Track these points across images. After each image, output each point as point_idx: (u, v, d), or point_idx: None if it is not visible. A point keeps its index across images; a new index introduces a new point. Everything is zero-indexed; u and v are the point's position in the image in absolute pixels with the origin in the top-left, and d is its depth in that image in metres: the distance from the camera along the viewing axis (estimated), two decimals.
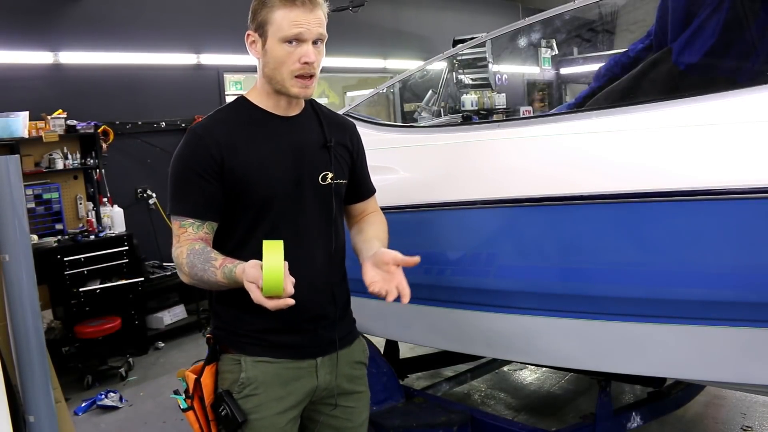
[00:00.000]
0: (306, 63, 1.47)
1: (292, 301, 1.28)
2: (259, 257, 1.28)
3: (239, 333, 1.55)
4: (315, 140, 1.59)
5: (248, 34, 1.51)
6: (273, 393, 1.52)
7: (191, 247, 1.44)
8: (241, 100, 1.58)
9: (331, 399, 1.62)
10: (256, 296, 1.27)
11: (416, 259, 1.53)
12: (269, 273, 1.25)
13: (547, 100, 11.14)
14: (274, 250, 1.26)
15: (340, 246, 1.64)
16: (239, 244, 1.52)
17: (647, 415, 2.50)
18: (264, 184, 1.50)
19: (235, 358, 1.53)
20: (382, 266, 1.53)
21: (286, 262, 1.27)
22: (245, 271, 1.31)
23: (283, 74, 1.48)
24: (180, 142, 1.52)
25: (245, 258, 1.35)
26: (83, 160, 4.91)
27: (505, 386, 3.79)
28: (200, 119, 1.53)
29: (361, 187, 1.76)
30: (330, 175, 1.58)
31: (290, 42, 1.45)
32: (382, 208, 2.23)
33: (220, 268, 1.38)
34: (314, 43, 1.48)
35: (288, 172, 1.53)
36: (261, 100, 1.56)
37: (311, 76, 1.49)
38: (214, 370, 1.55)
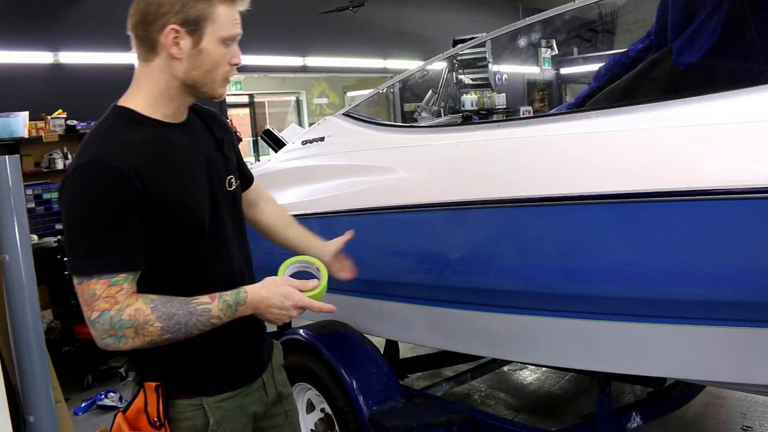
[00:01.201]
0: (236, 64, 1.34)
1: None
2: (204, 291, 1.28)
3: (192, 373, 1.37)
4: (209, 144, 1.43)
5: (172, 29, 1.25)
6: (238, 425, 1.43)
7: (149, 300, 1.22)
8: (127, 112, 1.30)
9: (272, 410, 1.56)
10: (304, 299, 1.32)
11: (349, 234, 1.78)
12: (324, 286, 1.38)
13: (547, 100, 11.16)
14: (322, 266, 1.43)
15: (250, 252, 1.55)
16: (174, 284, 1.30)
17: (647, 415, 2.50)
18: (193, 209, 1.32)
19: (194, 403, 1.36)
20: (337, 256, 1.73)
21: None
22: (281, 286, 1.30)
23: (215, 77, 1.31)
24: (80, 180, 1.20)
25: (183, 295, 1.25)
26: None
27: (505, 386, 3.79)
28: (90, 146, 1.24)
29: (245, 174, 1.62)
30: (233, 178, 1.46)
31: (227, 43, 1.30)
32: (383, 208, 2.23)
33: (214, 301, 1.25)
34: None
35: (204, 188, 1.36)
36: (148, 106, 1.31)
37: None
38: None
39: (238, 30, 1.31)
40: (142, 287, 1.26)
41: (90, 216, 1.20)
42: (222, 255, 1.40)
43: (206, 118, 1.47)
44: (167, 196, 1.26)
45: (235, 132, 6.33)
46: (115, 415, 1.37)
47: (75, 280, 1.22)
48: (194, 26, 1.26)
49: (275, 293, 1.29)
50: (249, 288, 1.29)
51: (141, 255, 1.24)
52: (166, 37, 1.26)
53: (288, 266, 1.42)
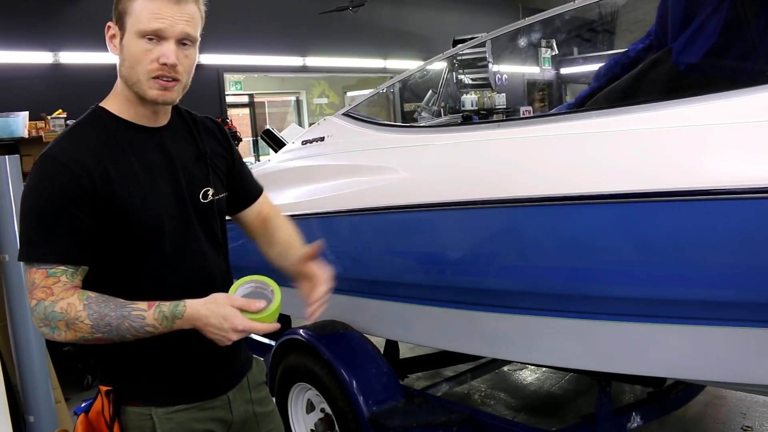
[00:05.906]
0: (164, 64, 1.25)
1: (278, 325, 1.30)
2: (159, 297, 1.24)
3: (143, 381, 1.35)
4: (189, 152, 1.41)
5: (108, 26, 1.29)
6: None
7: (84, 297, 1.22)
8: (100, 112, 1.34)
9: (251, 430, 1.50)
10: (245, 323, 1.23)
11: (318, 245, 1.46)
12: (275, 310, 1.26)
13: (547, 100, 11.17)
14: (277, 288, 1.30)
15: (228, 267, 1.51)
16: (127, 286, 1.29)
17: (647, 415, 2.50)
18: (148, 213, 1.30)
19: (143, 412, 1.33)
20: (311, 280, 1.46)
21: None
22: (223, 306, 1.22)
23: (138, 74, 1.26)
24: (33, 172, 1.26)
25: (140, 299, 1.23)
26: None
27: (505, 386, 3.79)
28: (54, 141, 1.30)
29: (246, 188, 1.59)
30: (210, 191, 1.42)
31: (149, 38, 1.24)
32: (383, 208, 2.23)
33: (150, 309, 1.21)
34: (182, 43, 1.28)
35: (169, 195, 1.35)
36: (123, 109, 1.33)
37: (174, 80, 1.28)
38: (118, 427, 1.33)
39: (155, 25, 1.24)
40: (96, 286, 1.26)
41: (36, 207, 1.24)
42: (187, 265, 1.37)
43: (196, 128, 1.45)
44: (119, 196, 1.27)
45: (235, 132, 6.33)
46: (78, 414, 1.37)
47: (23, 267, 1.27)
48: (120, 21, 1.27)
49: (215, 313, 1.22)
50: (189, 302, 1.24)
51: (83, 251, 1.25)
52: (107, 32, 1.30)
53: (241, 285, 1.32)
